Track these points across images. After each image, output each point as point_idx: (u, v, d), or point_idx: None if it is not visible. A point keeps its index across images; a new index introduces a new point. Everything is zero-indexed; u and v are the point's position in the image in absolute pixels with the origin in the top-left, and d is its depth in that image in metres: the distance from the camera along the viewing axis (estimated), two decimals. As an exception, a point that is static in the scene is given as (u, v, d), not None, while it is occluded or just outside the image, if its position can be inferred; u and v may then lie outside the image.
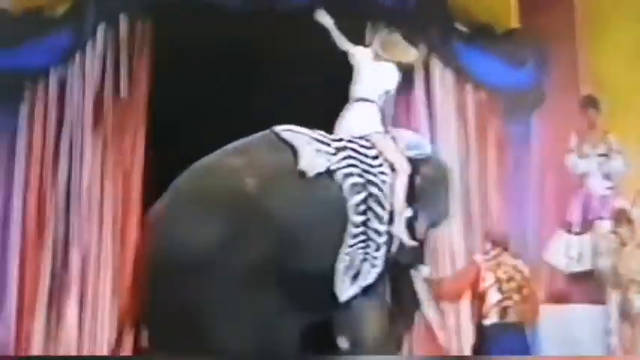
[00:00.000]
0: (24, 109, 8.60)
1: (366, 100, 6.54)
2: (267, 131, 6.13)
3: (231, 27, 8.67)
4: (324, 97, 7.10)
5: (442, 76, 8.80)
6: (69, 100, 8.67)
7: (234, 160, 5.91)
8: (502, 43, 8.80)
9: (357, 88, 6.60)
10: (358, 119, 6.44)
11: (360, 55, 6.77)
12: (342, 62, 6.62)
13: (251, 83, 8.79)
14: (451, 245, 8.53)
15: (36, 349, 7.81)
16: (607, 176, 8.22)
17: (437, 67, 8.81)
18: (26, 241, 8.38)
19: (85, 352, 8.04)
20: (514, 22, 8.91)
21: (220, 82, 8.72)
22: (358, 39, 8.75)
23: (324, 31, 6.66)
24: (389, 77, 6.74)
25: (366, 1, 8.84)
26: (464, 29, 8.83)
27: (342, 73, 6.63)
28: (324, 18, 6.88)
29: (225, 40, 8.65)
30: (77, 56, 8.71)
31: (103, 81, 8.73)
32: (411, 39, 8.56)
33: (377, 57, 6.79)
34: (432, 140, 8.47)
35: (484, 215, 8.59)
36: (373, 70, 6.71)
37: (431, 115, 8.73)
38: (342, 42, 6.83)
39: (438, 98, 8.76)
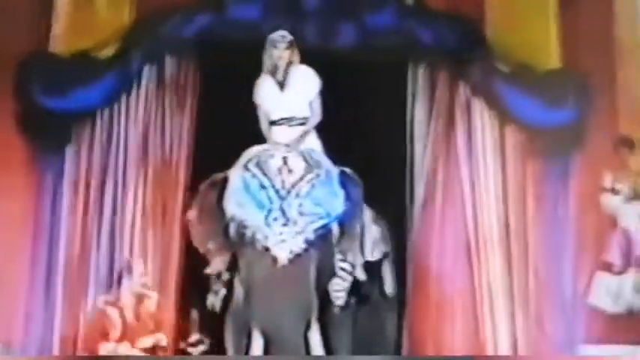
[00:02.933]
0: (70, 151, 8.79)
1: None
2: None
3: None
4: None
5: (482, 117, 8.81)
6: (115, 141, 8.84)
7: None
8: (543, 83, 8.70)
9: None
10: None
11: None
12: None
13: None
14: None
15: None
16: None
17: (478, 108, 8.82)
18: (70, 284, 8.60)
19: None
20: (555, 62, 8.82)
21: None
22: (399, 78, 8.93)
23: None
24: None
25: (406, 41, 8.88)
26: (505, 69, 8.78)
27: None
28: None
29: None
30: (123, 97, 8.89)
31: (148, 121, 8.91)
32: (453, 79, 8.77)
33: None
34: (472, 179, 8.64)
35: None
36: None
37: (471, 155, 8.73)
38: None
39: (478, 139, 8.78)
